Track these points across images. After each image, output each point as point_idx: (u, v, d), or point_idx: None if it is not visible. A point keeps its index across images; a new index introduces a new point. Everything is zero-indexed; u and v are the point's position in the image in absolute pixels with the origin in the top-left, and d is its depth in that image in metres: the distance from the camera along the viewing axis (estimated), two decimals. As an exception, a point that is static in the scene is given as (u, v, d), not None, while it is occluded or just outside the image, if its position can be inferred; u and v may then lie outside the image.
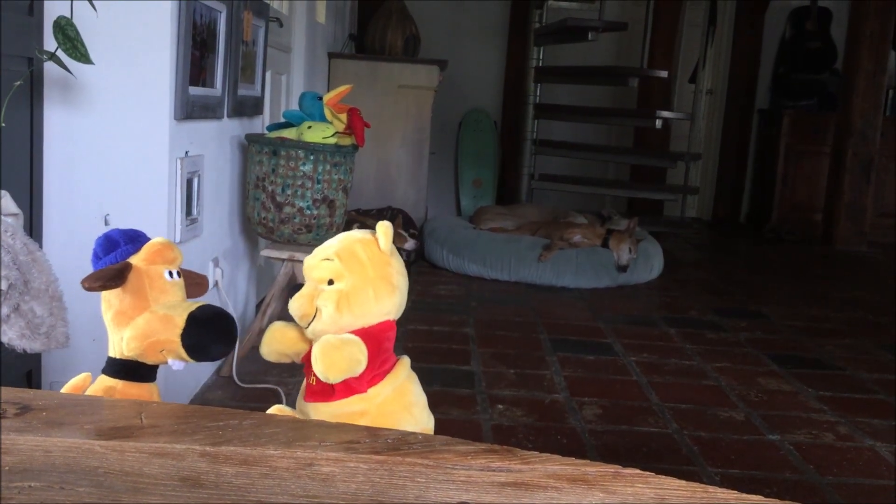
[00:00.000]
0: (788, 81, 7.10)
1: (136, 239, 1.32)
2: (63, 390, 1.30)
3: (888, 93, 6.47)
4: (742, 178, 7.29)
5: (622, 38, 6.65)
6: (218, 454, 0.73)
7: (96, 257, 1.31)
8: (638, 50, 6.13)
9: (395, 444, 0.77)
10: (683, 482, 0.72)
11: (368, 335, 1.32)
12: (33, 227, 2.00)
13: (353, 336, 1.30)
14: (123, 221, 2.08)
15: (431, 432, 1.42)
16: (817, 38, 7.05)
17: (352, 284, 1.31)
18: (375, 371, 1.35)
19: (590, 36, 5.30)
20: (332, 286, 1.32)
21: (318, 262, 1.33)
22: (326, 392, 1.33)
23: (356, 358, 1.28)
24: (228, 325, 1.28)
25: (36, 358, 2.04)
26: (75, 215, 2.07)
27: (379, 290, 1.33)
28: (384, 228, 1.35)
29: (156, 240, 1.33)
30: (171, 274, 1.31)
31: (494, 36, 6.70)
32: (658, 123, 5.44)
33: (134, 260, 1.29)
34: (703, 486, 0.72)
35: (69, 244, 2.06)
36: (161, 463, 0.71)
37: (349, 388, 1.33)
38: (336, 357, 1.26)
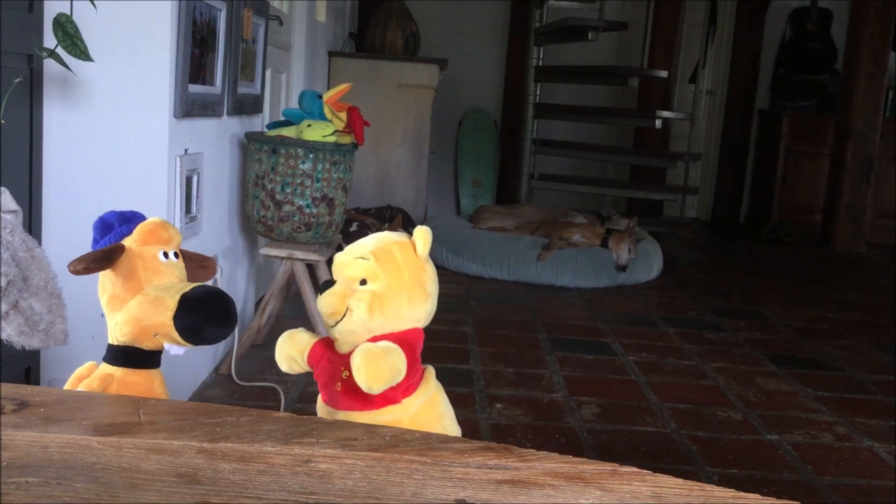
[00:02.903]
0: (788, 82, 7.10)
1: (131, 220, 1.27)
2: (69, 380, 1.29)
3: (888, 94, 6.46)
4: (741, 178, 7.29)
5: (622, 38, 6.65)
6: (215, 451, 0.73)
7: (95, 241, 1.27)
8: (638, 50, 6.13)
9: (392, 441, 0.77)
10: (680, 480, 0.72)
11: (404, 342, 1.27)
12: (32, 223, 2.00)
13: (391, 344, 1.24)
14: (122, 219, 2.08)
15: None
16: (817, 38, 7.05)
17: (386, 287, 1.26)
18: (410, 380, 1.29)
19: (590, 35, 5.30)
20: (365, 286, 1.26)
21: (352, 260, 1.27)
22: (362, 400, 1.27)
23: (398, 367, 1.22)
24: (225, 306, 1.21)
25: (34, 355, 2.04)
26: (74, 212, 2.07)
27: (413, 296, 1.28)
28: (423, 234, 1.30)
29: (149, 220, 1.27)
30: (166, 255, 1.25)
31: (494, 35, 6.70)
32: (658, 123, 5.44)
33: (127, 241, 1.24)
34: (700, 484, 0.72)
35: (68, 241, 2.06)
36: (158, 459, 0.71)
37: (385, 397, 1.27)
38: (380, 366, 1.20)
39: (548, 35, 5.71)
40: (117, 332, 1.23)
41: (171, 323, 1.18)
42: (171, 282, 1.24)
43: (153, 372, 1.27)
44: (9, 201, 1.33)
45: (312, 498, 0.66)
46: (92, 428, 0.77)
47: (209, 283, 1.32)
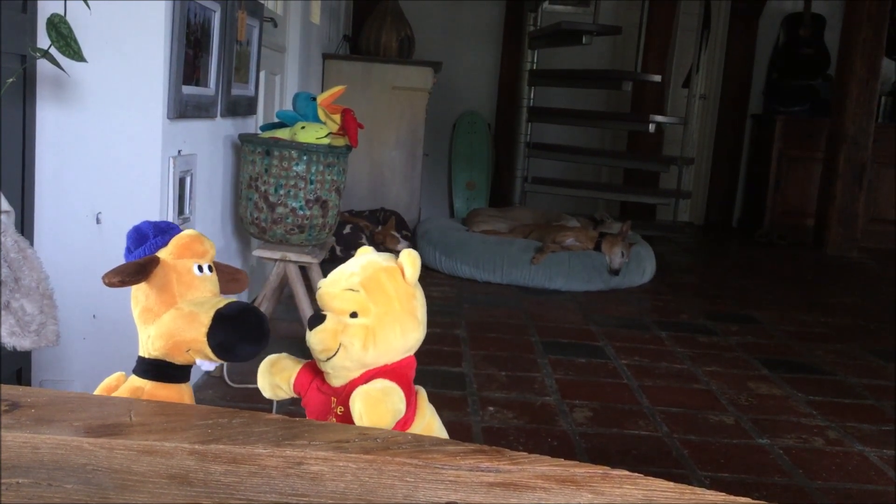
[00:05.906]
0: (781, 87, 7.12)
1: (166, 231, 1.25)
2: (97, 391, 1.27)
3: (881, 99, 6.48)
4: (734, 182, 7.31)
5: (616, 42, 6.66)
6: (207, 452, 0.73)
7: (128, 251, 1.25)
8: (632, 54, 6.15)
9: (384, 443, 0.77)
10: (672, 484, 0.72)
11: (399, 374, 1.24)
12: (25, 224, 2.00)
13: (389, 383, 1.21)
14: (115, 220, 2.08)
15: None
16: (811, 44, 7.07)
17: (378, 320, 1.22)
18: (408, 414, 1.26)
19: (584, 39, 5.31)
20: (356, 320, 1.22)
21: (340, 292, 1.23)
22: None
23: (398, 408, 1.20)
24: (259, 323, 1.19)
25: (26, 356, 2.03)
26: (67, 213, 2.07)
27: (405, 326, 1.24)
28: (411, 258, 1.25)
29: (185, 232, 1.25)
30: (200, 268, 1.23)
31: (489, 38, 6.71)
32: (651, 127, 5.45)
33: (162, 254, 1.22)
34: (691, 487, 0.72)
35: (61, 242, 2.05)
36: (150, 461, 0.71)
37: None
38: (382, 411, 1.18)
39: (542, 39, 5.71)
40: (149, 345, 1.21)
41: (205, 339, 1.16)
42: (205, 296, 1.22)
43: (183, 386, 1.25)
44: (1, 202, 1.33)
45: (304, 500, 0.66)
46: (83, 429, 0.77)
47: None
